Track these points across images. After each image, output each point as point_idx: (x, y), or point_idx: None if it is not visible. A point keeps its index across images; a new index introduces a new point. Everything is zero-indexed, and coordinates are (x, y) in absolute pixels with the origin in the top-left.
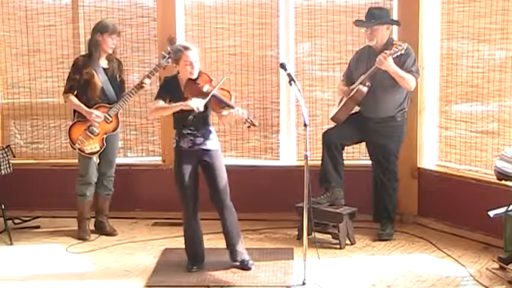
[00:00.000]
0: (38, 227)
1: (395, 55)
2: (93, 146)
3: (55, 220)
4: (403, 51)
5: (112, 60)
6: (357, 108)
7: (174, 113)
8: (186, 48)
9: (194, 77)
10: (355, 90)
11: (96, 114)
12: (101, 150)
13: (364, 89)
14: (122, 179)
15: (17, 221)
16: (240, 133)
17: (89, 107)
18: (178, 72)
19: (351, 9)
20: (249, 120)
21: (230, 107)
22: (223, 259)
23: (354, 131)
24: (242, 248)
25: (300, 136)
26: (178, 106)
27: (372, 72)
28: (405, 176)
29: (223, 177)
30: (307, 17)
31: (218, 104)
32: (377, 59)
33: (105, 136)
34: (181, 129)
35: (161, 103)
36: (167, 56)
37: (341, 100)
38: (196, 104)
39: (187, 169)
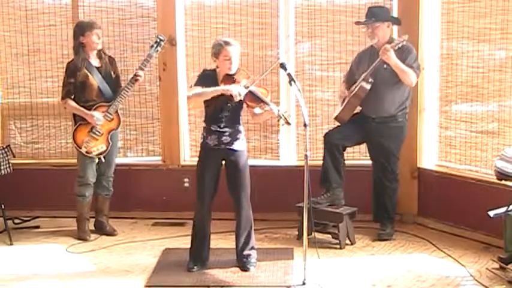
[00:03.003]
0: (38, 227)
1: (396, 47)
2: (99, 146)
3: (55, 220)
4: (404, 43)
5: (103, 58)
6: (358, 109)
7: (206, 108)
8: (227, 43)
9: (232, 72)
10: (357, 87)
11: (97, 116)
12: (108, 150)
13: (367, 86)
14: (122, 179)
15: (17, 221)
16: None
17: (88, 108)
18: (217, 67)
19: (351, 9)
20: (283, 117)
21: (266, 103)
22: (223, 259)
23: (355, 131)
24: (249, 251)
25: (300, 136)
26: (219, 90)
27: (374, 68)
28: (405, 176)
29: (245, 179)
30: (307, 17)
31: (254, 100)
32: (381, 49)
33: (110, 135)
34: (210, 125)
35: (199, 89)
36: (155, 45)
37: (344, 99)
38: (238, 90)
39: (210, 167)
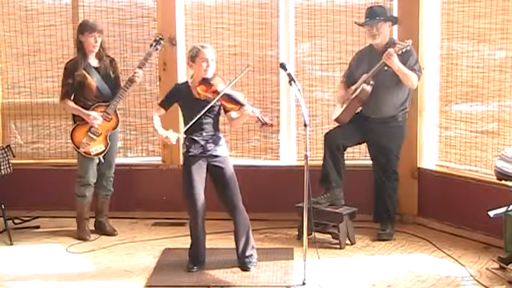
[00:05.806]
0: (38, 227)
1: (400, 52)
2: (97, 146)
3: (55, 220)
4: (408, 48)
5: (103, 59)
6: (358, 109)
7: (184, 118)
8: (203, 47)
9: (208, 76)
10: (359, 89)
11: (94, 116)
12: (107, 150)
13: (369, 88)
14: (122, 179)
15: (17, 221)
16: (240, 133)
17: (88, 108)
18: (191, 76)
19: (351, 9)
20: (261, 119)
21: (241, 104)
22: (223, 259)
23: (356, 131)
24: (250, 252)
25: (300, 136)
26: (158, 131)
27: (375, 71)
28: (405, 176)
29: (234, 183)
30: (307, 17)
31: (231, 102)
32: (385, 53)
33: (108, 134)
34: (191, 134)
35: (156, 117)
36: (154, 43)
37: (344, 101)
38: (171, 137)
39: (198, 177)
